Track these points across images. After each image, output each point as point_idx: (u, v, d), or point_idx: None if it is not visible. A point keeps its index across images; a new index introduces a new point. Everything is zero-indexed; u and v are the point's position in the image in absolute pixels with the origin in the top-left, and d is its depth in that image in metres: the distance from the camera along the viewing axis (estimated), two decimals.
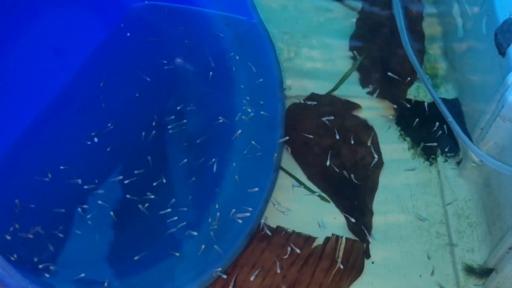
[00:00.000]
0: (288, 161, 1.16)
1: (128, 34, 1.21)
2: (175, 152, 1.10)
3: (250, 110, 1.11)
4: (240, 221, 0.97)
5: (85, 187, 1.00)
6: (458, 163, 1.16)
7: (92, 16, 1.20)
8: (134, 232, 1.00)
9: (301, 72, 1.30)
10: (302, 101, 1.22)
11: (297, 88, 1.26)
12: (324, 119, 1.16)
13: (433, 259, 1.04)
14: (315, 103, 1.21)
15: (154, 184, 1.04)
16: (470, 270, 1.03)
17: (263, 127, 1.10)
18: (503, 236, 0.98)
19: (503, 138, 1.00)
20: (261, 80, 1.13)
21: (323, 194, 1.12)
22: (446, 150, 1.17)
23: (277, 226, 1.06)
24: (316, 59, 1.33)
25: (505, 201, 1.01)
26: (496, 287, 0.99)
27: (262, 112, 1.10)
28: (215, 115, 1.11)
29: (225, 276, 0.96)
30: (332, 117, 1.16)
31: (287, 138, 1.10)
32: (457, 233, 1.07)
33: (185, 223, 1.00)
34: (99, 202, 1.00)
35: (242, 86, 1.15)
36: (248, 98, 1.13)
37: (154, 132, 1.11)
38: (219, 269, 0.94)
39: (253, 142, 1.07)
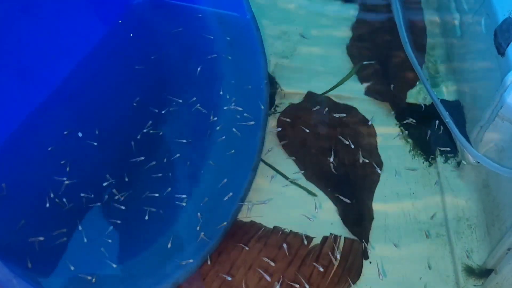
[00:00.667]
0: (282, 160, 1.16)
1: (131, 34, 1.22)
2: (165, 148, 1.10)
3: (233, 109, 1.12)
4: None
5: (66, 182, 1.00)
6: (458, 163, 1.15)
7: (92, 11, 1.21)
8: (120, 226, 1.00)
9: (299, 72, 1.30)
10: (301, 101, 1.21)
11: (296, 88, 1.26)
12: (336, 115, 1.17)
13: (433, 260, 1.04)
14: (317, 106, 1.21)
15: (142, 180, 1.05)
16: (469, 271, 1.03)
17: (245, 127, 1.11)
18: (502, 237, 0.97)
19: (502, 139, 1.00)
20: (249, 86, 1.15)
21: (320, 194, 1.11)
22: (446, 150, 1.17)
23: (274, 227, 1.06)
24: (315, 58, 1.33)
25: (504, 202, 1.01)
26: None
27: (245, 114, 1.11)
28: (201, 113, 1.12)
29: (229, 278, 0.97)
30: (344, 115, 1.18)
31: (279, 129, 1.15)
32: (456, 234, 1.07)
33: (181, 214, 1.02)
34: (82, 195, 1.00)
35: (229, 86, 1.16)
36: (233, 99, 1.14)
37: (148, 125, 1.11)
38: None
39: (234, 129, 1.09)
